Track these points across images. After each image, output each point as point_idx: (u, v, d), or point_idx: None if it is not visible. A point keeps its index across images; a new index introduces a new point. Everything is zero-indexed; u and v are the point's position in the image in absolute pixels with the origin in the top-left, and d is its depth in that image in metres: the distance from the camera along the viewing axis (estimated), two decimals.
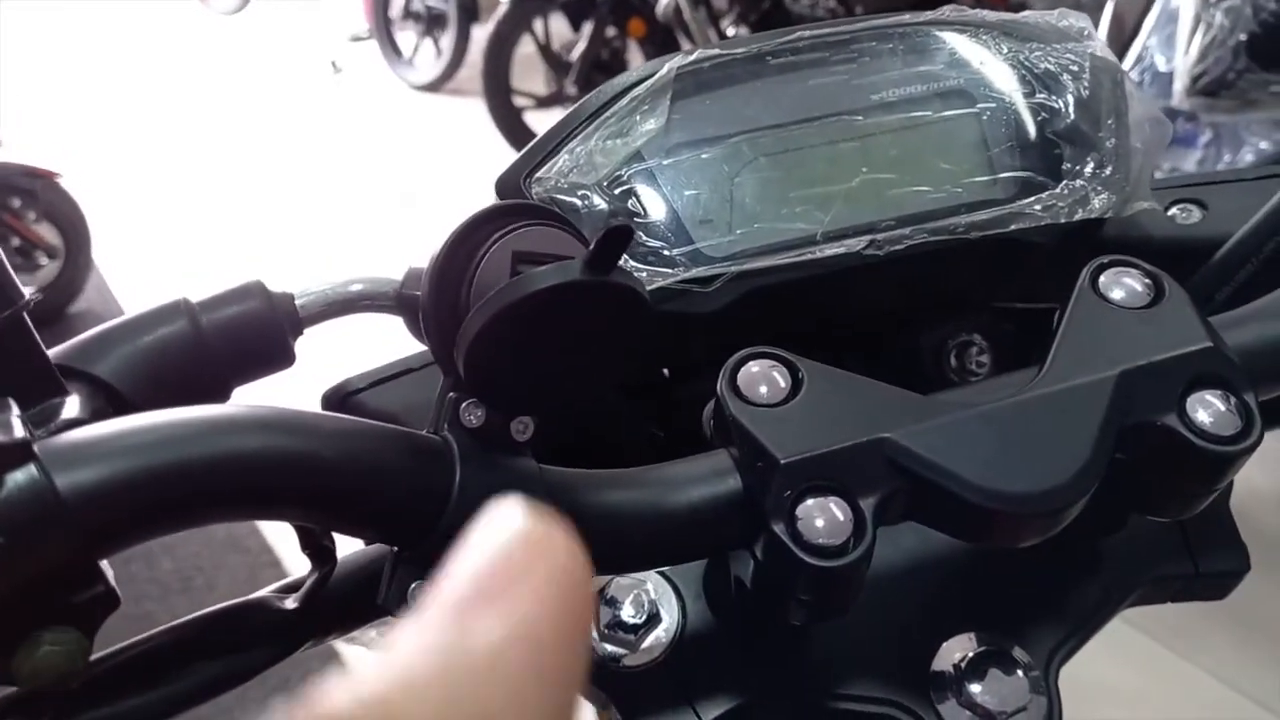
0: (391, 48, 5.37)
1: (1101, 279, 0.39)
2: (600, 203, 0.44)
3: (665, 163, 0.45)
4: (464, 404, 0.32)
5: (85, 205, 3.12)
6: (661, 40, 4.05)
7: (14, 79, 5.11)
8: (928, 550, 0.44)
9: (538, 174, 0.44)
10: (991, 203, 0.47)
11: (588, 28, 4.09)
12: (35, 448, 0.24)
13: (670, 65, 0.46)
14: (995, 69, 0.50)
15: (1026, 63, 0.50)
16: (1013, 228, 0.47)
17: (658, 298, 0.43)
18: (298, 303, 0.38)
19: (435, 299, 0.32)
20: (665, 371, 0.52)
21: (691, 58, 0.47)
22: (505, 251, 0.32)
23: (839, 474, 0.34)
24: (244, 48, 6.21)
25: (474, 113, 4.41)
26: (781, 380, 0.36)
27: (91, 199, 3.22)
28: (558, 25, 4.29)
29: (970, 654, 0.41)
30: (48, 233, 3.05)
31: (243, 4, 7.01)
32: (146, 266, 3.52)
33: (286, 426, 0.28)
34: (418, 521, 0.30)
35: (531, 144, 0.46)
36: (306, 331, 0.38)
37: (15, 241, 2.95)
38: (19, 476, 0.23)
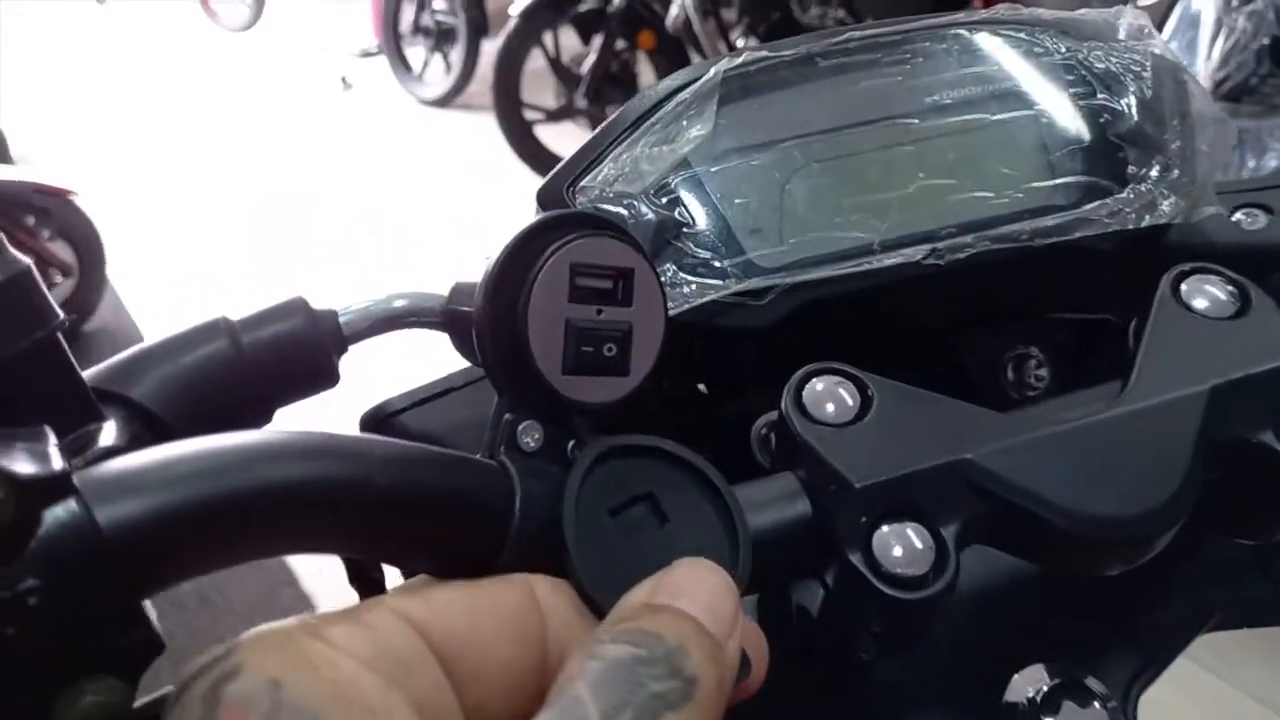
0: (401, 63, 5.38)
1: (1183, 287, 0.37)
2: (647, 212, 0.42)
3: (713, 170, 0.43)
4: (521, 425, 0.30)
5: (99, 222, 3.12)
6: (671, 52, 4.05)
7: (26, 97, 5.13)
8: (993, 574, 0.42)
9: (581, 183, 0.42)
10: (1054, 208, 0.45)
11: (597, 41, 4.09)
12: (75, 479, 0.22)
13: (716, 68, 0.44)
14: (1053, 69, 0.48)
15: (1085, 62, 0.48)
16: (1077, 235, 0.45)
17: (708, 311, 0.42)
18: (341, 320, 0.36)
19: (491, 314, 0.30)
20: (701, 387, 0.50)
21: (738, 60, 0.45)
22: (563, 264, 0.30)
23: (918, 499, 0.32)
24: (255, 64, 6.23)
25: (484, 127, 4.41)
26: (849, 398, 0.34)
27: (105, 216, 3.22)
28: (567, 39, 4.29)
29: (1044, 686, 0.39)
30: (62, 251, 3.05)
31: (253, 21, 7.05)
32: (161, 283, 3.52)
33: (338, 453, 0.26)
34: (476, 552, 0.28)
35: (574, 152, 0.44)
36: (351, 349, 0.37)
37: (30, 259, 2.95)
38: (59, 512, 0.21)
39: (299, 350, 0.35)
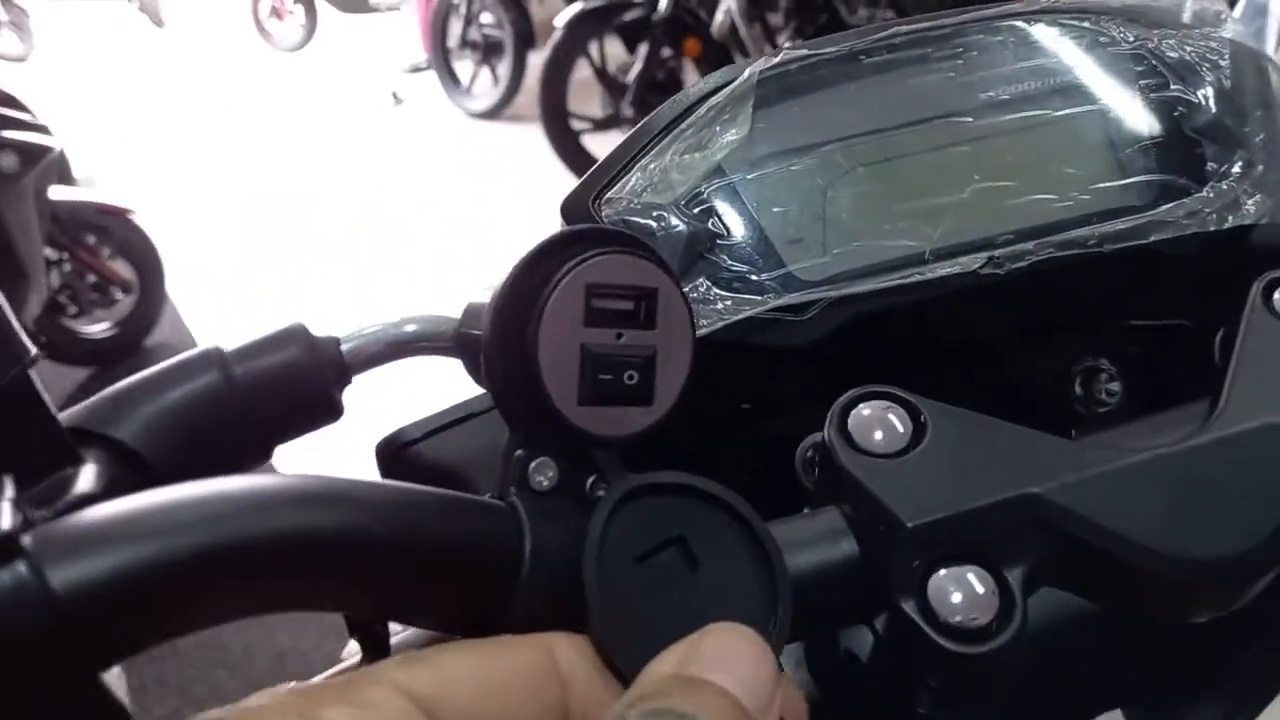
0: (450, 77, 5.42)
1: (1276, 296, 0.33)
2: (678, 224, 0.39)
3: (750, 177, 0.40)
4: (534, 462, 0.28)
5: (158, 239, 3.18)
6: (717, 59, 4.01)
7: (88, 117, 5.28)
8: (1062, 613, 0.38)
9: (608, 194, 0.40)
10: (1125, 210, 0.41)
11: (643, 49, 4.07)
12: (27, 539, 0.20)
13: (752, 69, 0.41)
14: (1120, 60, 0.44)
15: (1156, 51, 0.44)
16: (1152, 238, 0.41)
17: (744, 329, 0.38)
18: (344, 348, 0.34)
19: (499, 339, 0.27)
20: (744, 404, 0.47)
21: (775, 60, 0.42)
22: (578, 284, 0.27)
23: (979, 539, 0.28)
24: (308, 83, 6.34)
25: (532, 138, 4.42)
26: (900, 425, 0.31)
27: (163, 233, 3.28)
28: (613, 48, 4.28)
29: None
30: (122, 268, 3.11)
31: (305, 40, 7.17)
32: (219, 297, 3.58)
33: (324, 500, 0.24)
34: (484, 604, 0.26)
35: (600, 162, 0.41)
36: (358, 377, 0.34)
37: (92, 278, 3.01)
38: (4, 577, 0.19)
39: (297, 382, 0.33)
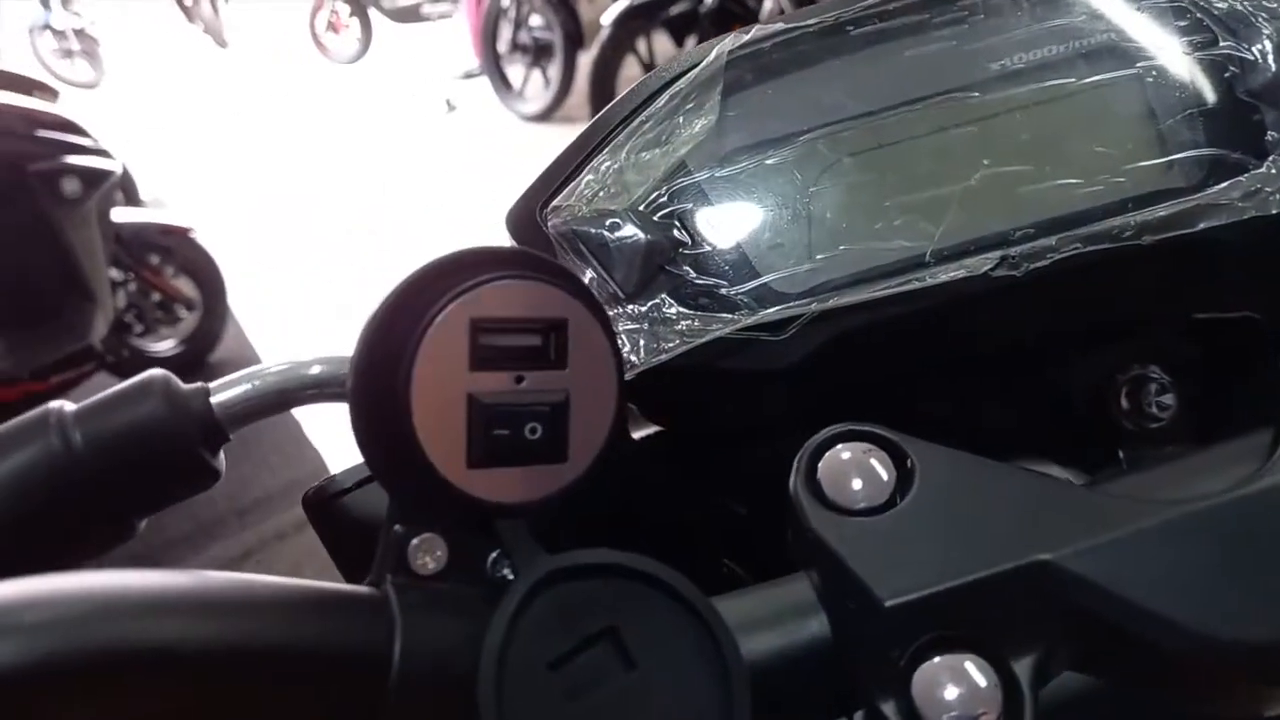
0: (501, 81, 5.43)
1: None
2: (635, 232, 0.34)
3: (719, 174, 0.35)
4: (416, 540, 0.23)
5: (219, 256, 3.23)
6: None
7: (152, 140, 5.41)
8: (1075, 695, 0.31)
9: (555, 202, 0.35)
10: (1169, 194, 0.35)
11: (691, 42, 4.01)
12: None
13: (719, 49, 0.36)
14: (1159, 14, 0.37)
15: (1201, 3, 0.37)
16: (1201, 225, 0.34)
17: (713, 352, 0.33)
18: (214, 400, 0.29)
19: (364, 393, 0.23)
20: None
21: (747, 37, 0.36)
22: (459, 320, 0.22)
23: (976, 620, 0.23)
24: (365, 94, 6.41)
25: None
26: (883, 472, 0.25)
27: (227, 250, 3.33)
28: (661, 43, 4.23)
29: None
30: (185, 286, 3.16)
31: (361, 53, 7.27)
32: (280, 311, 3.63)
33: (142, 604, 0.19)
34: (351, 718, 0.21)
35: (550, 164, 0.36)
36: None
37: (156, 297, 3.07)
38: None
39: (156, 444, 0.28)
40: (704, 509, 0.40)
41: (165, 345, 3.15)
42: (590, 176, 0.35)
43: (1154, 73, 0.36)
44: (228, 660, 0.20)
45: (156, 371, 0.29)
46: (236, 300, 3.32)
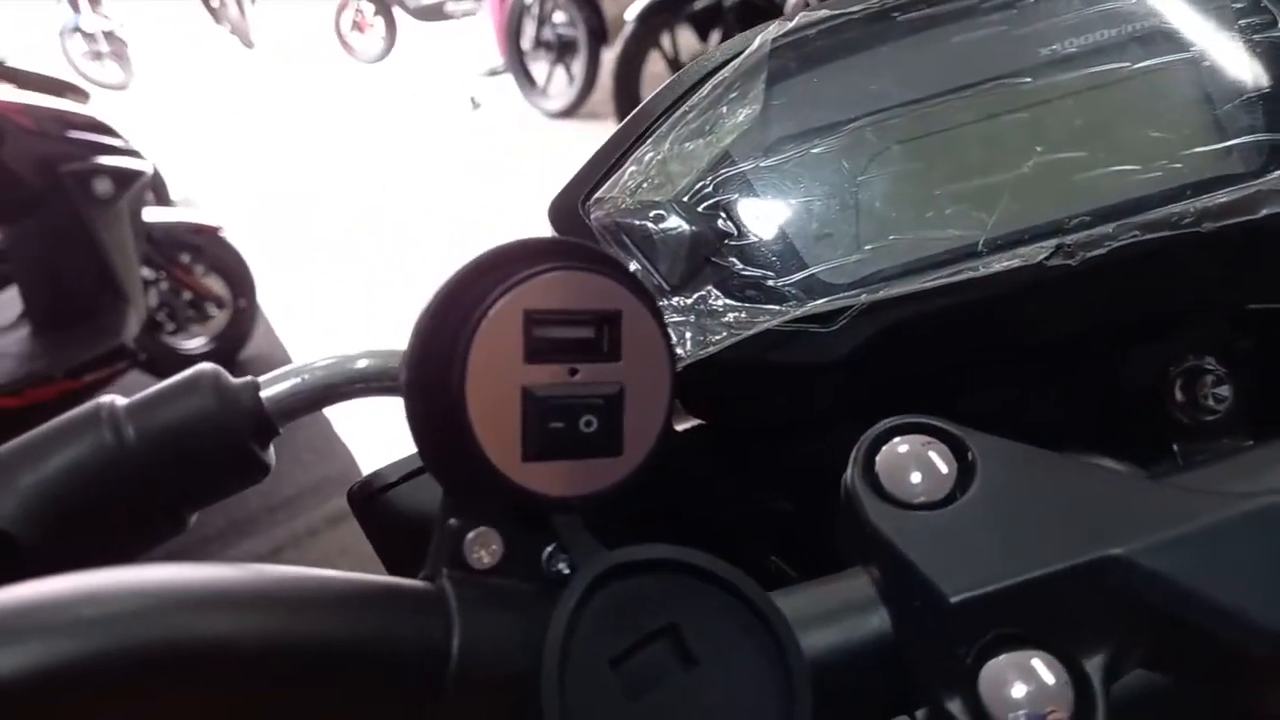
0: (526, 78, 5.44)
1: None
2: (679, 223, 0.34)
3: (764, 164, 0.34)
4: (471, 534, 0.22)
5: (248, 254, 3.25)
6: None
7: (181, 140, 5.46)
8: (1148, 695, 0.30)
9: (597, 194, 0.34)
10: (1227, 180, 0.34)
11: (715, 36, 4.00)
12: None
13: (763, 37, 0.35)
14: None
15: None
16: (1263, 212, 0.33)
17: (760, 345, 0.33)
18: (264, 394, 0.29)
19: (418, 386, 0.22)
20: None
21: (792, 24, 0.36)
22: (513, 312, 0.22)
23: (1044, 617, 0.22)
24: (390, 92, 6.44)
25: (609, 134, 4.38)
26: (943, 465, 0.25)
27: (257, 247, 3.36)
28: (685, 38, 4.22)
29: None
30: (215, 284, 3.19)
31: (386, 52, 7.30)
32: (313, 310, 3.65)
33: (197, 598, 0.19)
34: (403, 718, 0.21)
35: (592, 155, 0.36)
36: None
37: (187, 295, 3.10)
38: None
39: (206, 437, 0.28)
40: (747, 505, 0.39)
41: (196, 343, 3.18)
42: (633, 168, 0.34)
43: (1210, 56, 0.35)
44: (286, 654, 0.19)
45: (206, 366, 0.29)
46: (267, 298, 3.35)
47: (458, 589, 0.22)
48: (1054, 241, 0.33)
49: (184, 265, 3.10)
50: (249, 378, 0.29)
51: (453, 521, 0.23)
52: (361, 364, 0.30)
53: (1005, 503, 0.24)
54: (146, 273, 2.89)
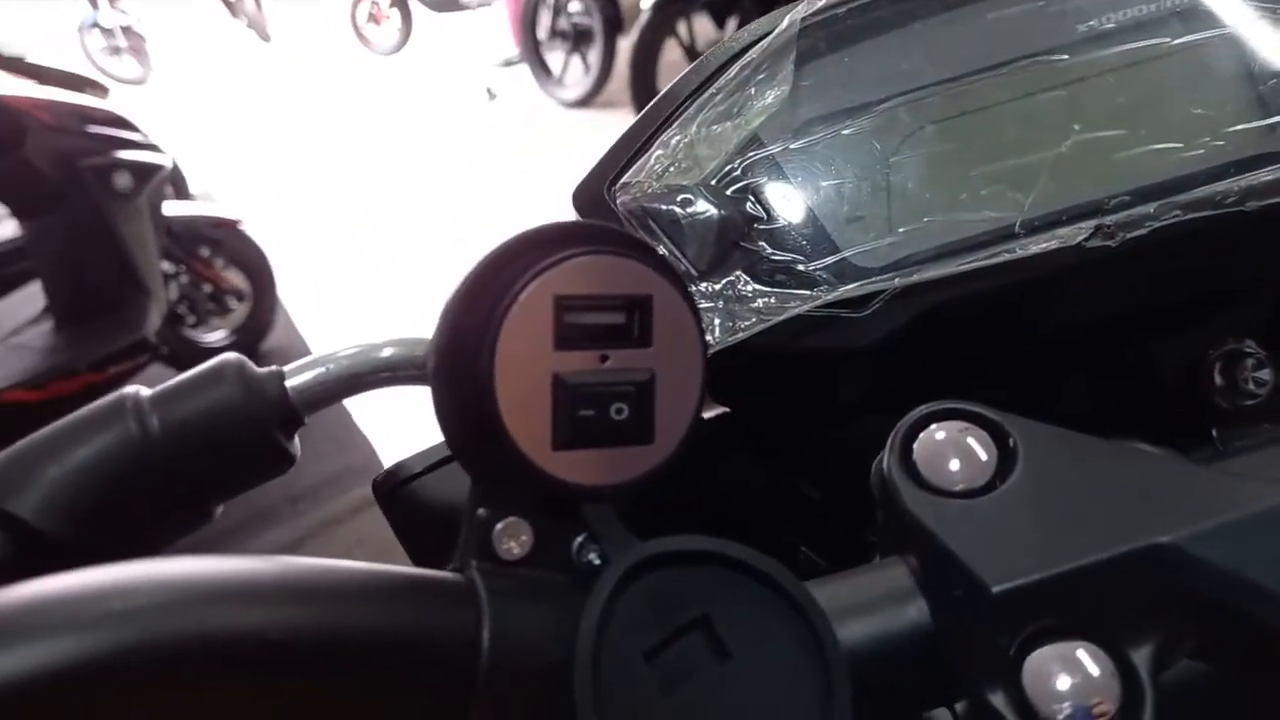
0: (542, 68, 5.43)
1: None
2: (707, 208, 0.33)
3: (794, 146, 0.34)
4: (500, 524, 0.22)
5: (267, 247, 3.27)
6: None
7: (199, 133, 5.49)
8: (1197, 684, 0.30)
9: (623, 179, 0.34)
10: (1272, 158, 0.33)
11: (732, 24, 3.98)
12: None
13: (792, 16, 0.35)
14: None
15: None
16: None
17: (791, 330, 0.32)
18: (289, 383, 0.29)
19: (446, 373, 0.22)
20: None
21: (820, 4, 0.35)
22: (542, 297, 0.22)
23: (1089, 607, 0.21)
24: (406, 84, 6.45)
25: (625, 123, 4.37)
26: (982, 452, 0.24)
27: (273, 240, 3.37)
28: (702, 25, 4.19)
29: None
30: (235, 277, 3.20)
31: (402, 43, 7.31)
32: (330, 299, 3.66)
33: (225, 591, 0.19)
34: (437, 712, 0.20)
35: (617, 139, 0.35)
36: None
37: (207, 288, 3.12)
38: None
39: (231, 428, 0.27)
40: (776, 494, 0.38)
41: (217, 336, 3.19)
42: (660, 151, 0.34)
43: (1252, 31, 0.34)
44: (314, 646, 0.19)
45: (231, 355, 0.29)
46: (287, 289, 3.36)
47: (487, 580, 0.21)
48: (1093, 222, 0.32)
49: (204, 258, 3.12)
50: (274, 367, 0.29)
51: (481, 512, 0.22)
52: (387, 352, 0.29)
53: (1048, 489, 0.23)
54: (167, 266, 2.90)
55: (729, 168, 0.33)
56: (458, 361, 0.22)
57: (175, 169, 2.99)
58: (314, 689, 0.19)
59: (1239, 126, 0.33)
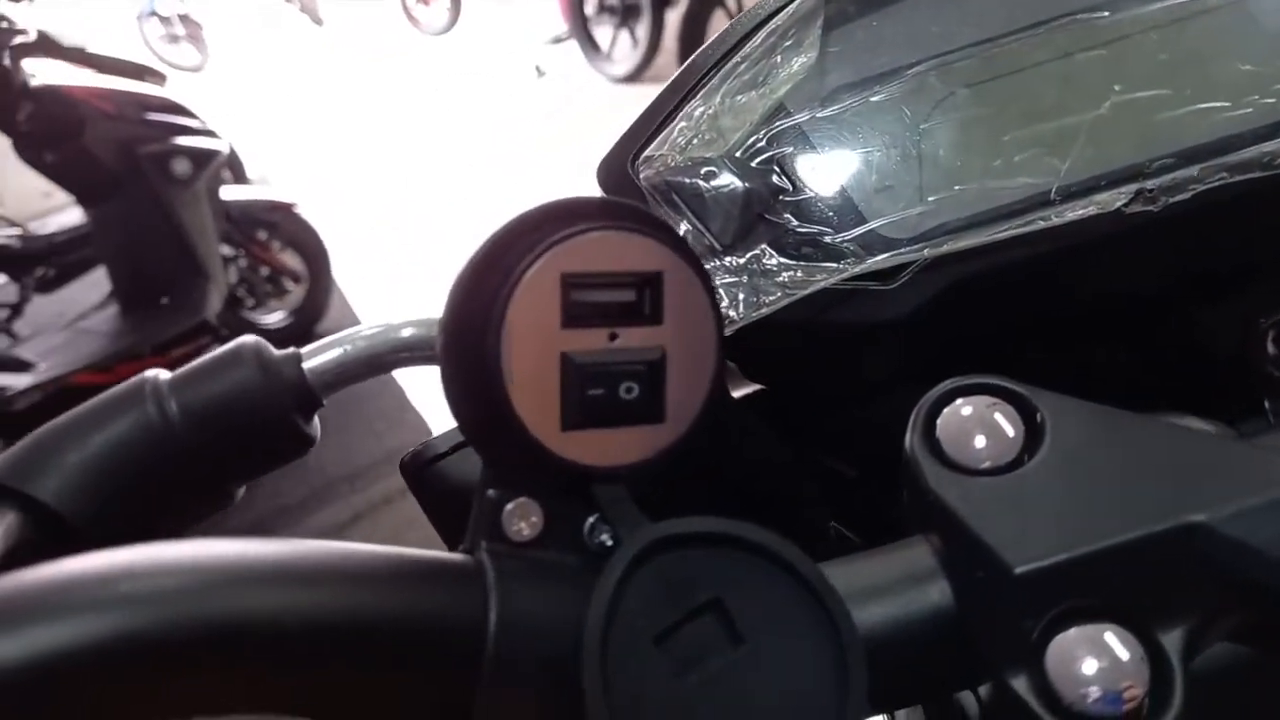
0: (590, 44, 5.41)
1: None
2: (731, 180, 0.32)
3: (821, 115, 0.33)
4: (510, 505, 0.22)
5: (322, 229, 3.31)
6: None
7: (256, 119, 5.58)
8: (1231, 665, 0.28)
9: (646, 151, 0.33)
10: None
11: None
12: None
13: None
14: None
15: None
16: None
17: (818, 304, 0.31)
18: (307, 365, 0.29)
19: (454, 352, 0.22)
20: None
21: None
22: (549, 274, 0.21)
23: (1117, 588, 0.20)
24: (456, 63, 6.48)
25: None
26: (1009, 427, 0.23)
27: (330, 222, 3.41)
28: None
29: None
30: (291, 260, 3.26)
31: (452, 23, 7.33)
32: (384, 281, 3.71)
33: (229, 575, 0.19)
34: (438, 700, 0.20)
35: (642, 112, 0.35)
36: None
37: (265, 271, 3.17)
38: None
39: (250, 412, 0.28)
40: (810, 471, 0.38)
41: (275, 317, 3.25)
42: (683, 124, 0.33)
43: None
44: (314, 630, 0.19)
45: (248, 338, 0.29)
46: (342, 270, 3.41)
47: (496, 562, 0.21)
48: (1134, 186, 0.31)
49: (261, 242, 3.17)
50: (291, 349, 0.29)
51: (491, 493, 0.22)
52: (406, 333, 0.29)
53: (1076, 467, 0.22)
54: (226, 250, 2.96)
55: (754, 138, 0.33)
56: (464, 341, 0.21)
57: (232, 154, 3.04)
58: (315, 672, 0.19)
59: None
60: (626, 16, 5.19)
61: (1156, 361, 0.38)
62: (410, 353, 0.29)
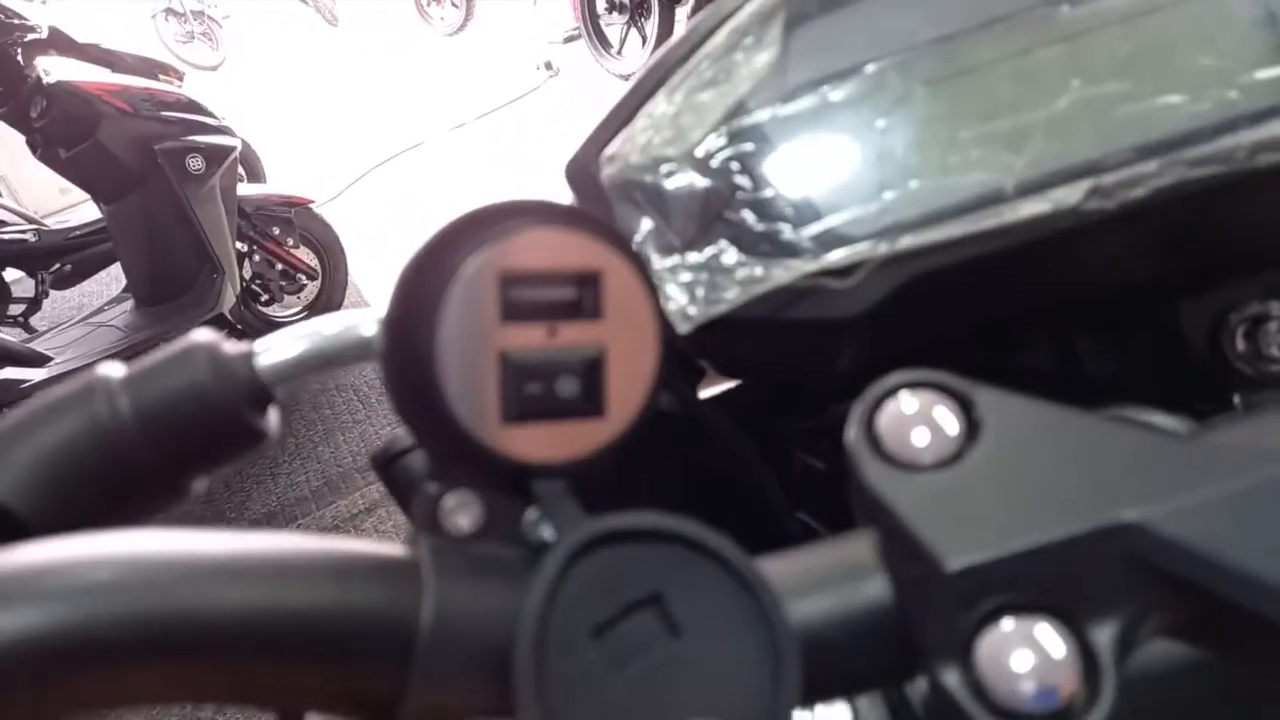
0: (600, 42, 5.40)
1: None
2: (692, 178, 0.32)
3: (781, 112, 0.33)
4: (449, 499, 0.22)
5: (337, 226, 3.33)
6: None
7: (272, 116, 5.61)
8: (1166, 664, 0.28)
9: (608, 150, 0.33)
10: None
11: None
12: None
13: None
14: None
15: None
16: None
17: (775, 301, 0.31)
18: (259, 362, 0.29)
19: (394, 347, 0.22)
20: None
21: None
22: (487, 272, 0.22)
23: (1051, 585, 0.21)
24: (468, 62, 6.49)
25: None
26: (949, 423, 0.23)
27: (339, 216, 3.43)
28: None
29: None
30: (306, 256, 3.27)
31: (464, 23, 7.35)
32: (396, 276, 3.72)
33: (159, 567, 0.19)
34: (371, 696, 0.21)
35: (609, 110, 0.35)
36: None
37: (280, 267, 3.19)
38: None
39: (201, 409, 0.28)
40: (777, 465, 0.38)
41: (290, 313, 3.27)
42: (645, 122, 0.33)
43: None
44: (240, 623, 0.19)
45: (202, 335, 0.29)
46: (356, 266, 3.42)
47: (434, 556, 0.22)
48: (1091, 181, 0.31)
49: (276, 238, 3.19)
50: (245, 346, 0.29)
51: (431, 486, 0.22)
52: (361, 329, 0.29)
53: (1012, 463, 0.22)
54: (240, 246, 2.98)
55: (713, 136, 0.33)
56: (404, 338, 0.22)
57: (250, 152, 3.06)
58: (244, 665, 0.20)
59: (1255, 75, 0.31)
60: (636, 14, 5.18)
61: (1130, 358, 0.38)
62: (365, 349, 0.30)
